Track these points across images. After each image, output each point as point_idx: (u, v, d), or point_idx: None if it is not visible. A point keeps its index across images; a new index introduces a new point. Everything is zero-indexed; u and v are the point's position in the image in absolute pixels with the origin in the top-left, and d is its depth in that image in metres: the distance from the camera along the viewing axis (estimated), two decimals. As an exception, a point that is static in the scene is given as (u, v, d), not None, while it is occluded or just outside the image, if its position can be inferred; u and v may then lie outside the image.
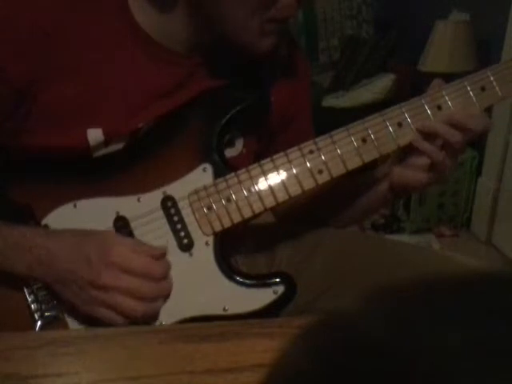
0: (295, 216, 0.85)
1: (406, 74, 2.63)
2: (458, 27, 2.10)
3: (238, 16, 0.64)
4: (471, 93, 0.68)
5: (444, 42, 2.12)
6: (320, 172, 0.68)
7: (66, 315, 0.67)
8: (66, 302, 0.65)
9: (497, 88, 0.68)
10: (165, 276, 0.65)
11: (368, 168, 0.72)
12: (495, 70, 0.69)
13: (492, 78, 0.68)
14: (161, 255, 0.66)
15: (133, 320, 0.63)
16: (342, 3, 3.31)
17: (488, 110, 0.70)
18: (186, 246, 0.68)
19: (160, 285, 0.65)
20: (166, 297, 0.66)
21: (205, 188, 0.68)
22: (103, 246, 0.63)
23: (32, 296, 0.67)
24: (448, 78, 0.73)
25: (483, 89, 0.68)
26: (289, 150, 0.68)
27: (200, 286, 0.68)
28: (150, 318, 0.65)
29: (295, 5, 0.65)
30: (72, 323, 0.67)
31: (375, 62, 2.93)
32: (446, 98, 0.68)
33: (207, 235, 0.68)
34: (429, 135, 0.68)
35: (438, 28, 2.14)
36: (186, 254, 0.68)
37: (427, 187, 0.73)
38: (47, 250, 0.63)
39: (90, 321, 0.65)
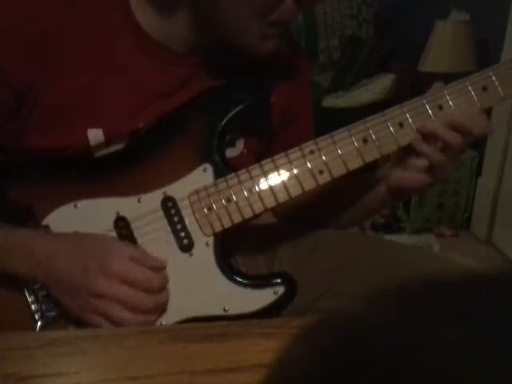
0: (296, 216, 0.85)
1: (405, 74, 2.63)
2: (457, 27, 2.10)
3: (239, 19, 0.64)
4: (473, 93, 0.68)
5: (444, 42, 2.12)
6: (321, 172, 0.68)
7: (65, 315, 0.67)
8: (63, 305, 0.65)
9: (499, 88, 0.68)
10: (163, 289, 0.65)
11: (369, 169, 0.72)
12: (497, 69, 0.68)
13: (494, 78, 0.68)
14: (162, 266, 0.66)
15: (127, 326, 0.63)
16: (341, 3, 3.31)
17: (488, 110, 0.70)
18: (187, 247, 0.68)
19: (157, 297, 0.64)
20: (162, 310, 0.66)
21: (205, 188, 0.68)
22: (103, 254, 0.63)
23: (32, 296, 0.67)
24: (448, 78, 0.73)
25: (485, 89, 0.68)
26: (289, 151, 0.68)
27: (200, 286, 0.68)
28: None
29: (296, 9, 0.65)
30: (72, 323, 0.67)
31: (375, 62, 2.93)
32: (448, 98, 0.68)
33: (207, 236, 0.68)
34: (429, 137, 0.68)
35: (437, 28, 2.14)
36: (187, 255, 0.68)
37: (426, 189, 0.73)
38: (47, 252, 0.63)
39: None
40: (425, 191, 0.76)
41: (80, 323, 0.66)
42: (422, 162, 0.69)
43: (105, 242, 0.65)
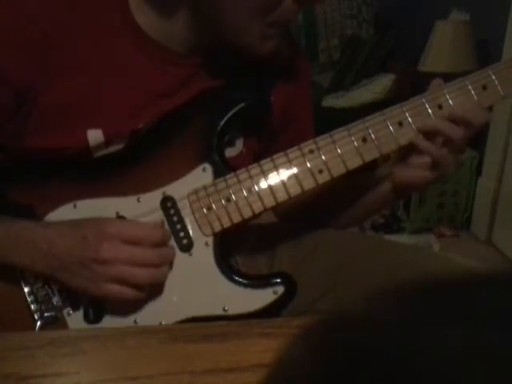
0: (296, 216, 0.85)
1: (405, 74, 2.63)
2: (457, 27, 2.10)
3: (239, 19, 0.64)
4: (472, 92, 0.68)
5: (444, 42, 2.12)
6: (320, 172, 0.68)
7: (66, 315, 0.67)
8: (72, 293, 0.65)
9: (499, 87, 0.68)
10: (165, 242, 0.65)
11: (368, 168, 0.72)
12: (496, 68, 0.68)
13: (494, 77, 0.68)
14: (158, 224, 0.66)
15: (142, 290, 0.63)
16: (341, 3, 3.31)
17: (488, 110, 0.70)
18: (186, 247, 0.68)
19: (161, 250, 0.64)
20: (169, 262, 0.66)
21: (204, 188, 0.68)
22: (98, 223, 0.63)
23: (32, 296, 0.67)
24: (448, 77, 0.73)
25: (485, 88, 0.68)
26: (289, 150, 0.68)
27: (200, 286, 0.68)
28: (158, 287, 0.65)
29: (296, 9, 0.65)
30: (72, 323, 0.67)
31: (375, 62, 2.93)
32: (447, 97, 0.68)
33: (207, 235, 0.68)
34: (429, 133, 0.68)
35: (437, 28, 2.14)
36: (186, 255, 0.68)
37: (429, 185, 0.73)
38: (47, 239, 0.63)
39: (99, 309, 0.65)
40: (428, 187, 0.76)
41: (81, 320, 0.66)
42: (424, 159, 0.69)
43: (99, 218, 0.65)
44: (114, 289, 0.62)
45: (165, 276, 0.65)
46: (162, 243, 0.65)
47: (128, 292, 0.62)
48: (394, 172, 0.73)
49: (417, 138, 0.68)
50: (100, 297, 0.64)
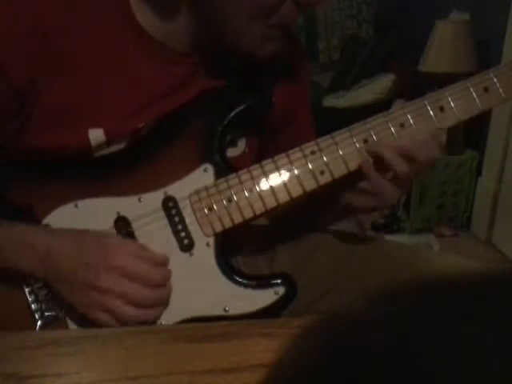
0: (285, 218, 0.85)
1: (406, 74, 2.63)
2: (457, 27, 2.10)
3: (240, 22, 0.64)
4: (474, 94, 0.68)
5: (444, 42, 2.11)
6: (322, 173, 0.68)
7: (66, 315, 0.67)
8: (65, 302, 0.66)
9: (500, 90, 0.68)
10: (164, 284, 0.65)
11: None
12: (498, 71, 0.68)
13: (495, 80, 0.68)
14: (162, 262, 0.66)
15: (128, 323, 0.63)
16: (341, 3, 3.31)
17: (488, 110, 0.70)
18: (187, 247, 0.68)
19: (158, 292, 0.64)
20: (164, 305, 0.66)
21: (206, 188, 0.68)
22: (102, 250, 0.63)
23: (32, 296, 0.67)
24: (448, 77, 0.73)
25: (486, 90, 0.68)
26: (290, 151, 0.68)
27: (200, 286, 0.68)
28: (146, 324, 0.65)
29: (296, 11, 0.65)
30: (72, 323, 0.67)
31: (375, 62, 2.93)
32: (449, 99, 0.68)
33: (208, 236, 0.68)
34: (377, 160, 0.66)
35: (438, 28, 2.14)
36: (187, 255, 0.68)
37: (370, 212, 0.72)
38: (48, 247, 0.63)
39: (90, 321, 0.65)
40: (369, 212, 0.74)
41: (80, 322, 0.66)
42: (366, 185, 0.67)
43: (104, 239, 0.65)
44: (101, 317, 0.62)
45: (153, 318, 0.65)
46: (161, 284, 0.65)
47: (113, 323, 0.62)
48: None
49: (364, 163, 0.67)
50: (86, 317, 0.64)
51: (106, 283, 0.61)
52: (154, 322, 0.66)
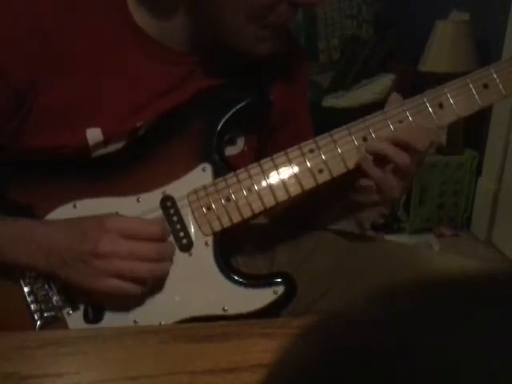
0: (285, 218, 0.85)
1: (406, 74, 2.63)
2: (457, 27, 2.10)
3: (236, 21, 0.64)
4: (473, 90, 0.67)
5: (444, 42, 2.11)
6: (320, 171, 0.68)
7: (65, 315, 0.67)
8: (72, 293, 0.65)
9: (500, 86, 0.67)
10: (164, 237, 0.65)
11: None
12: (498, 67, 0.68)
13: (495, 76, 0.67)
14: (158, 219, 0.66)
15: (143, 284, 0.63)
16: (341, 3, 3.31)
17: (488, 110, 0.70)
18: (186, 246, 0.67)
19: (161, 245, 0.64)
20: (170, 258, 0.66)
21: (204, 188, 0.68)
22: (97, 219, 0.63)
23: (31, 296, 0.67)
24: (448, 77, 0.73)
25: (486, 86, 0.67)
26: (289, 150, 0.68)
27: (199, 286, 0.68)
28: (158, 287, 0.65)
29: (292, 11, 0.65)
30: (72, 323, 0.67)
31: (375, 62, 2.93)
32: (448, 96, 0.67)
33: (206, 235, 0.68)
34: (378, 156, 0.66)
35: (438, 28, 2.14)
36: (186, 254, 0.67)
37: (373, 207, 0.72)
38: (48, 237, 0.63)
39: (98, 309, 0.65)
40: (372, 207, 0.73)
41: (81, 320, 0.66)
42: (368, 182, 0.67)
43: (99, 214, 0.65)
44: (114, 283, 0.62)
45: (164, 272, 0.65)
46: (161, 238, 0.65)
47: (127, 287, 0.62)
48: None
49: (362, 160, 0.66)
50: (100, 292, 0.63)
51: (108, 247, 0.61)
52: (164, 280, 0.66)
